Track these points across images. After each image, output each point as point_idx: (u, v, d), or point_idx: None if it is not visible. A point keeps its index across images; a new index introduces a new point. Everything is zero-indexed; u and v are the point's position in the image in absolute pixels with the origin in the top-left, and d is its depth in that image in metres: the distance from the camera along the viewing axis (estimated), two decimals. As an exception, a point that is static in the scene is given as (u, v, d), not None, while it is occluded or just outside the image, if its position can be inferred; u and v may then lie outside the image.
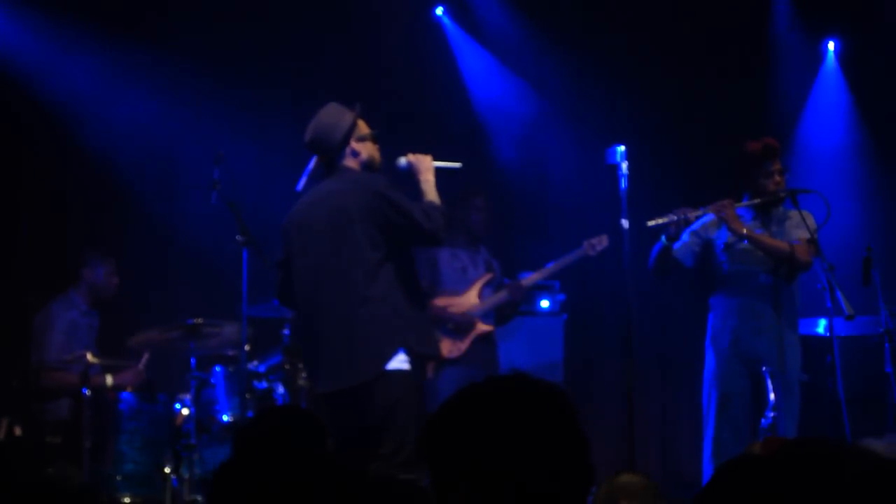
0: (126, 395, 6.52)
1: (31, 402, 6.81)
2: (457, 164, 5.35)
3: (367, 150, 5.15)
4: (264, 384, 6.57)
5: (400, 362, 4.89)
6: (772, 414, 5.42)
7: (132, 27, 7.81)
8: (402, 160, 5.22)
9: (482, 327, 6.77)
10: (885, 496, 2.00)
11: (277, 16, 8.14)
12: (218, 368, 6.59)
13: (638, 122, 7.99)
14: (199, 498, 6.16)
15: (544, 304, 7.75)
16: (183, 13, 7.91)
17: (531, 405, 1.96)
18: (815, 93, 8.62)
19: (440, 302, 6.70)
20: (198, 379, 6.40)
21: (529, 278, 7.08)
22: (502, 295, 6.87)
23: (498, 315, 6.92)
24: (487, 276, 6.90)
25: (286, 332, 6.67)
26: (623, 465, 5.30)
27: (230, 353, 6.75)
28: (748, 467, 2.04)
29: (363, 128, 5.17)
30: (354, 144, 5.12)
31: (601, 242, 6.91)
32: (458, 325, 6.71)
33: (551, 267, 7.07)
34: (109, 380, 6.59)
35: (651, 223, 5.82)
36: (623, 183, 5.37)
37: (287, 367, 6.57)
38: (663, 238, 5.94)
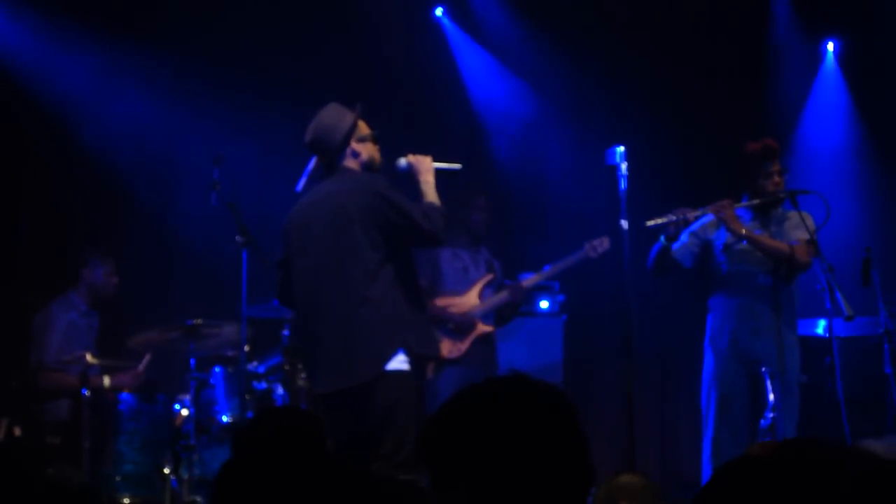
0: (125, 395, 6.52)
1: (31, 403, 6.82)
2: (457, 166, 5.35)
3: (368, 150, 5.15)
4: (264, 385, 6.58)
5: (399, 363, 4.89)
6: (771, 415, 5.42)
7: (132, 27, 7.82)
8: (402, 161, 5.21)
9: (483, 328, 6.77)
10: (884, 497, 2.00)
11: (277, 16, 8.14)
12: (217, 369, 6.60)
13: (637, 122, 7.99)
14: (199, 499, 6.16)
15: (544, 304, 7.75)
16: (183, 13, 7.91)
17: (531, 406, 1.96)
18: (814, 93, 8.62)
19: (441, 302, 6.70)
20: (197, 380, 6.40)
21: (530, 279, 7.08)
22: (503, 296, 6.87)
23: (498, 316, 6.92)
24: (488, 277, 6.90)
25: (286, 332, 6.67)
26: (623, 466, 5.30)
27: (230, 353, 6.75)
28: (747, 468, 2.04)
29: (363, 128, 5.16)
30: (355, 145, 5.12)
31: (602, 244, 6.91)
32: (459, 326, 6.71)
33: (552, 268, 7.07)
34: (107, 381, 6.59)
35: (650, 223, 5.82)
36: (622, 183, 5.37)
37: (286, 367, 6.57)
38: (662, 238, 5.94)
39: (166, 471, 6.20)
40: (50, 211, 7.76)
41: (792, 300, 5.96)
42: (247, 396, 6.24)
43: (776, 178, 5.94)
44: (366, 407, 4.87)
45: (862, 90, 8.46)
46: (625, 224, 5.34)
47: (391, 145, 5.33)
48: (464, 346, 6.69)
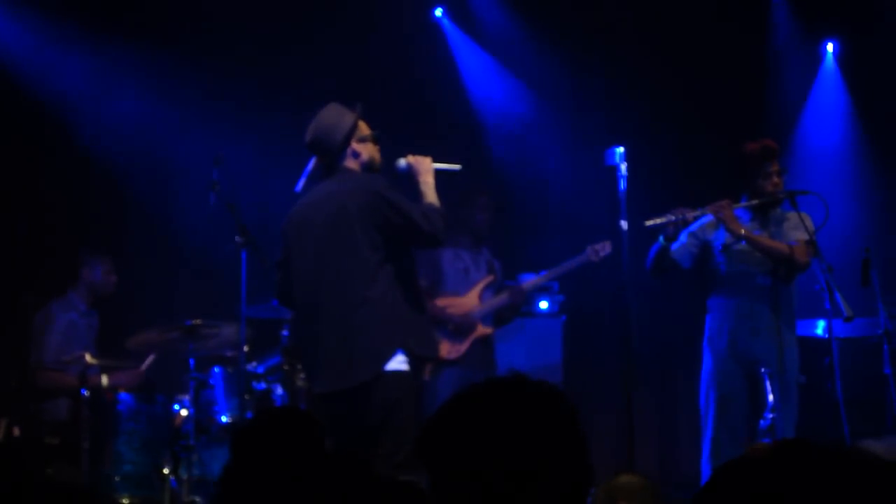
0: (124, 395, 6.52)
1: (30, 403, 6.81)
2: (456, 167, 5.35)
3: (368, 151, 5.15)
4: (263, 385, 6.57)
5: (399, 363, 4.89)
6: (770, 415, 5.42)
7: (132, 28, 7.82)
8: (402, 162, 5.21)
9: (482, 330, 6.77)
10: (884, 498, 2.00)
11: (276, 16, 8.15)
12: (217, 369, 6.59)
13: (637, 123, 7.99)
14: (198, 499, 6.16)
15: (543, 305, 7.76)
16: (183, 14, 7.91)
17: (530, 406, 1.96)
18: (814, 94, 8.62)
19: (441, 302, 6.70)
20: (196, 380, 6.39)
21: (531, 282, 7.08)
22: (503, 298, 6.87)
23: (497, 317, 6.92)
24: (489, 279, 6.90)
25: (285, 332, 6.67)
26: (622, 466, 5.30)
27: (229, 353, 6.75)
28: (746, 468, 2.04)
29: (364, 129, 5.16)
30: (355, 145, 5.12)
31: (604, 248, 6.89)
32: (459, 327, 6.71)
33: (554, 271, 7.07)
34: (105, 380, 6.59)
35: (649, 223, 5.82)
36: (622, 184, 5.37)
37: (286, 368, 6.57)
38: (661, 238, 5.94)
39: (165, 471, 6.20)
40: (49, 211, 7.76)
41: (791, 301, 5.96)
42: (246, 397, 6.24)
43: (775, 179, 5.94)
44: (365, 407, 4.87)
45: (861, 91, 8.46)
46: (624, 224, 5.34)
47: (390, 145, 5.33)
48: (463, 347, 6.70)
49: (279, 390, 6.55)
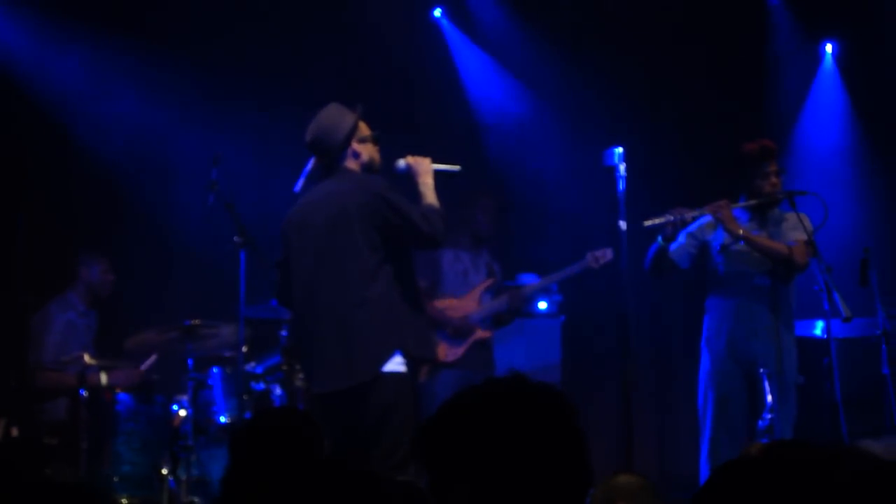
0: (123, 396, 6.52)
1: (29, 403, 6.81)
2: (455, 168, 5.34)
3: (368, 151, 5.15)
4: (262, 385, 6.57)
5: (396, 364, 4.89)
6: (769, 416, 5.42)
7: (132, 28, 7.81)
8: (401, 162, 5.20)
9: (480, 333, 6.77)
10: (883, 497, 2.00)
11: (275, 16, 8.14)
12: (215, 370, 6.59)
13: (635, 123, 7.99)
14: (197, 499, 6.15)
15: (542, 305, 7.76)
16: (182, 14, 7.91)
17: (530, 406, 1.96)
18: (812, 94, 8.62)
19: (439, 304, 6.70)
20: (195, 380, 6.39)
21: (530, 286, 7.09)
22: (502, 301, 6.87)
23: (495, 320, 6.92)
24: (488, 282, 6.90)
25: (284, 333, 6.66)
26: (620, 466, 5.30)
27: (227, 354, 6.74)
28: (745, 469, 2.04)
29: (364, 129, 5.16)
30: (355, 146, 5.12)
31: (605, 256, 6.86)
32: (457, 330, 6.71)
33: (553, 277, 7.07)
34: (104, 378, 6.57)
35: (648, 223, 5.82)
36: (621, 184, 5.37)
37: (285, 368, 6.56)
38: (659, 239, 5.94)
39: (164, 471, 6.19)
40: (48, 211, 7.76)
41: (789, 301, 5.96)
42: (245, 397, 6.24)
43: (774, 179, 5.94)
44: (363, 408, 4.86)
45: (860, 91, 8.46)
46: (623, 225, 5.34)
47: (388, 146, 5.33)
48: (460, 350, 6.69)
49: (278, 391, 6.54)
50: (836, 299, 5.62)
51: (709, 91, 8.28)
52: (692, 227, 6.05)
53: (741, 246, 5.91)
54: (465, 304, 6.79)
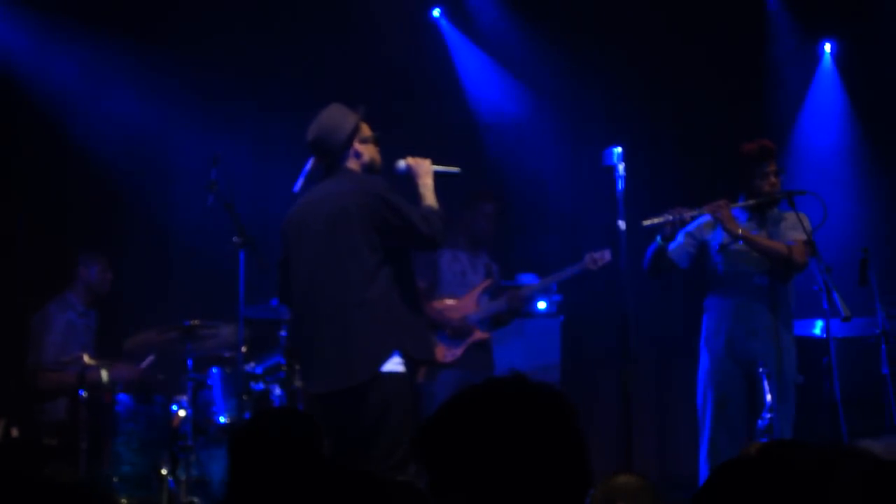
0: (123, 396, 6.52)
1: (29, 404, 6.81)
2: (455, 169, 5.34)
3: (369, 152, 5.15)
4: (261, 386, 6.57)
5: (395, 364, 4.89)
6: (768, 415, 5.42)
7: (131, 28, 7.82)
8: (402, 163, 5.20)
9: (479, 335, 6.77)
10: (883, 497, 2.01)
11: (275, 17, 8.15)
12: (215, 370, 6.59)
13: (635, 123, 7.99)
14: (196, 499, 6.15)
15: (541, 305, 7.75)
16: (182, 14, 7.91)
17: (530, 406, 1.96)
18: (811, 94, 8.62)
19: (438, 305, 6.70)
20: (194, 380, 6.39)
21: (528, 287, 7.08)
22: (500, 303, 6.87)
23: (494, 321, 6.92)
24: (487, 283, 6.90)
25: (283, 333, 6.67)
26: (620, 466, 5.30)
27: (227, 354, 6.74)
28: (745, 469, 2.04)
29: (366, 130, 5.16)
30: (357, 146, 5.11)
31: (604, 257, 6.86)
32: (456, 331, 6.70)
33: (551, 278, 7.07)
34: (105, 375, 6.56)
35: (647, 223, 5.82)
36: (620, 184, 5.37)
37: (285, 368, 6.57)
38: (658, 238, 5.94)
39: (164, 472, 6.20)
40: (48, 212, 7.76)
41: (788, 301, 5.96)
42: (244, 397, 6.24)
43: (772, 179, 5.94)
44: (362, 408, 4.86)
45: (859, 91, 8.46)
46: (622, 225, 5.34)
47: (387, 145, 5.33)
48: (459, 351, 6.70)
49: (277, 391, 6.54)
50: (836, 299, 5.62)
51: (708, 91, 8.29)
52: (691, 227, 6.05)
53: (740, 245, 5.91)
54: (463, 304, 6.79)
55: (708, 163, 7.75)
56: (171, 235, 7.94)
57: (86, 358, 6.31)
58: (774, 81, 8.51)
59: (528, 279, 7.31)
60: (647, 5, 8.31)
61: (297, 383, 6.43)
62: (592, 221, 7.46)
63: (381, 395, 4.85)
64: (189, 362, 6.39)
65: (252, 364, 6.61)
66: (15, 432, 6.47)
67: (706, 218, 6.00)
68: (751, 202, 5.96)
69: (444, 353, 6.62)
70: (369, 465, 4.76)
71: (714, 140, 7.87)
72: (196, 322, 6.39)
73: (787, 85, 8.55)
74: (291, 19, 8.13)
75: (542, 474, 1.91)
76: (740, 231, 5.85)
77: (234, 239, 5.92)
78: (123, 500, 6.28)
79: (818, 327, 6.80)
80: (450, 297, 6.78)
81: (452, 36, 8.59)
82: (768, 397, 5.45)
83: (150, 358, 6.83)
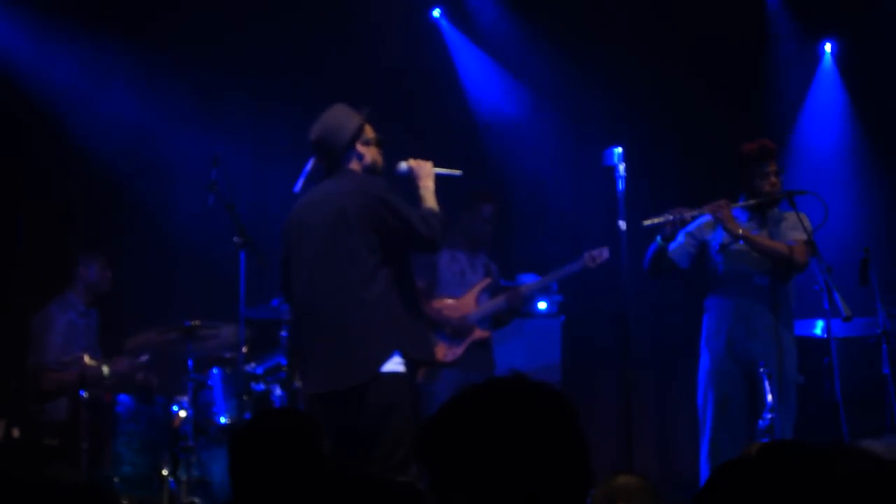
0: (124, 397, 6.52)
1: (30, 404, 6.81)
2: (457, 172, 5.34)
3: (371, 154, 5.15)
4: (262, 386, 6.57)
5: (395, 364, 4.89)
6: (769, 415, 5.42)
7: (131, 28, 7.82)
8: (403, 165, 5.20)
9: (479, 333, 6.77)
10: (884, 497, 2.00)
11: (275, 17, 8.14)
12: (215, 370, 6.59)
13: (635, 123, 7.99)
14: (197, 500, 6.15)
15: (542, 305, 7.75)
16: (182, 14, 7.91)
17: (531, 406, 1.95)
18: (812, 94, 8.62)
19: (438, 304, 6.70)
20: (195, 381, 6.39)
21: (527, 286, 7.08)
22: (500, 301, 6.86)
23: (494, 320, 6.91)
24: (486, 282, 6.90)
25: (284, 333, 6.67)
26: (621, 466, 5.30)
27: (228, 354, 6.74)
28: (745, 469, 2.04)
29: (369, 131, 5.16)
30: (359, 147, 5.11)
31: (601, 256, 6.87)
32: (456, 330, 6.70)
33: (550, 276, 7.07)
34: (106, 370, 6.53)
35: (647, 222, 5.82)
36: (620, 184, 5.37)
37: (286, 369, 6.57)
38: (658, 238, 5.94)
39: (164, 472, 6.20)
40: (48, 212, 7.76)
41: (788, 300, 5.96)
42: (245, 398, 6.24)
43: (773, 179, 5.94)
44: (362, 408, 4.86)
45: (859, 91, 8.46)
46: (623, 225, 5.34)
47: (387, 146, 5.33)
48: (459, 350, 6.69)
49: (278, 391, 6.55)
50: (837, 299, 5.62)
51: (708, 91, 8.28)
52: (691, 227, 6.05)
53: (740, 245, 5.91)
54: (463, 304, 6.79)
55: (708, 163, 7.75)
56: (172, 236, 7.94)
57: (86, 359, 6.31)
58: (775, 81, 8.51)
59: (529, 279, 7.31)
60: (648, 5, 8.31)
61: (298, 383, 6.43)
62: (592, 221, 7.46)
63: (382, 395, 4.85)
64: (190, 363, 6.39)
65: (253, 364, 6.61)
66: (16, 432, 6.46)
67: (707, 218, 6.00)
68: (751, 202, 5.96)
69: (445, 352, 6.62)
70: (370, 466, 4.76)
71: (714, 140, 7.87)
72: (197, 322, 6.39)
73: (788, 85, 8.55)
74: (291, 19, 8.13)
75: (543, 474, 1.91)
76: (741, 231, 5.85)
77: (235, 239, 5.92)
78: (124, 501, 6.28)
79: (819, 327, 6.80)
80: (449, 297, 6.78)
81: (452, 36, 8.59)
82: (769, 397, 5.45)
83: (145, 357, 6.81)
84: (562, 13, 8.43)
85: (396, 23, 8.23)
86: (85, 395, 6.20)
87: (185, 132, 7.85)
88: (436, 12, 8.57)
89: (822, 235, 5.85)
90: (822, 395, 6.03)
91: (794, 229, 5.87)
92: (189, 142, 7.77)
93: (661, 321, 8.14)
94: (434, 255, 6.67)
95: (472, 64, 8.62)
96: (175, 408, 6.47)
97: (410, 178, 5.18)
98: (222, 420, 6.51)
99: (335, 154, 5.09)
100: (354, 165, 5.11)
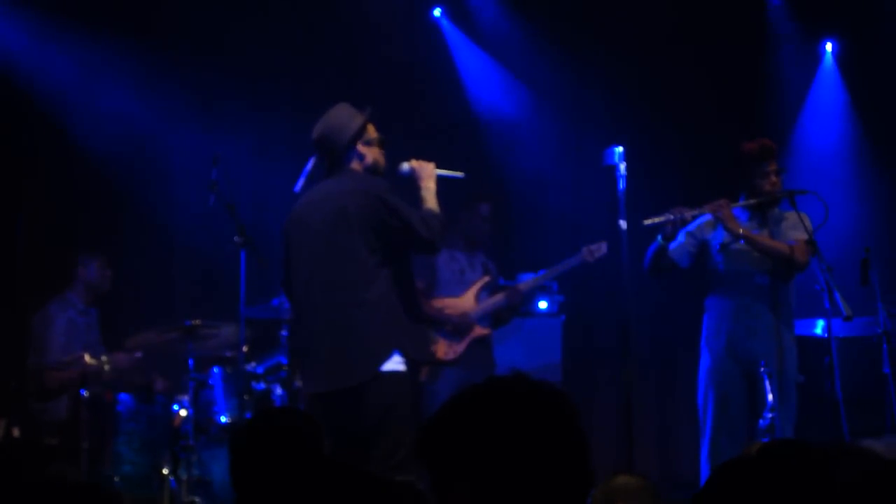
0: (124, 396, 6.53)
1: (30, 403, 6.82)
2: (459, 174, 5.34)
3: (373, 154, 5.14)
4: (262, 385, 6.58)
5: (395, 364, 4.89)
6: (769, 415, 5.42)
7: (131, 28, 7.82)
8: (405, 166, 5.20)
9: (479, 331, 6.77)
10: (884, 497, 2.00)
11: (275, 16, 8.15)
12: (216, 370, 6.60)
13: (636, 122, 7.99)
14: (197, 499, 6.16)
15: (542, 305, 7.75)
16: (182, 14, 7.91)
17: (532, 406, 1.95)
18: (812, 93, 8.62)
19: (437, 303, 6.70)
20: (196, 380, 6.39)
21: (527, 283, 7.08)
22: (500, 299, 6.87)
23: (494, 318, 6.92)
24: (484, 280, 6.90)
25: (284, 333, 6.67)
26: (621, 466, 5.30)
27: (228, 354, 6.75)
28: (745, 468, 2.04)
29: (371, 132, 5.16)
30: (361, 147, 5.11)
31: (600, 249, 6.88)
32: (456, 328, 6.70)
33: (549, 272, 7.07)
34: (107, 365, 6.52)
35: (647, 222, 5.82)
36: (621, 184, 5.37)
37: (285, 368, 6.57)
38: (659, 238, 5.94)
39: (165, 471, 6.20)
40: (48, 212, 7.76)
41: (789, 300, 5.96)
42: (245, 397, 6.24)
43: (773, 178, 5.94)
44: (362, 408, 4.86)
45: (860, 90, 8.46)
46: (623, 224, 5.34)
47: (389, 145, 5.33)
48: (460, 348, 6.69)
49: (278, 391, 6.55)
50: (837, 298, 5.62)
51: (709, 90, 8.28)
52: (691, 226, 6.05)
53: (741, 245, 5.91)
54: (462, 302, 6.79)
55: (708, 162, 7.75)
56: (172, 235, 7.94)
57: (87, 358, 6.31)
58: (775, 81, 8.51)
59: (529, 278, 7.31)
60: (648, 5, 8.31)
61: (299, 383, 6.44)
62: (593, 221, 7.46)
63: (382, 394, 4.85)
64: (190, 362, 6.39)
65: (253, 364, 6.61)
66: (16, 432, 6.47)
67: (707, 217, 5.99)
68: (752, 201, 5.96)
69: (446, 350, 6.62)
70: (370, 465, 4.75)
71: (715, 139, 7.87)
72: (197, 322, 6.39)
73: (788, 84, 8.55)
74: (292, 19, 8.13)
75: (544, 474, 1.91)
76: (741, 230, 5.85)
77: (235, 239, 5.92)
78: (125, 500, 6.28)
79: (819, 327, 6.80)
80: (448, 295, 6.78)
81: (453, 36, 8.59)
82: (769, 397, 5.45)
83: (138, 354, 6.80)
84: (562, 13, 8.43)
85: (397, 23, 8.23)
86: (86, 394, 6.20)
87: (185, 132, 7.85)
88: (436, 12, 8.57)
89: (822, 235, 5.85)
90: (823, 394, 6.03)
91: (795, 229, 5.87)
92: (189, 142, 7.77)
93: (660, 321, 8.13)
94: (433, 255, 6.67)
95: (472, 63, 8.62)
96: (175, 407, 6.48)
97: (412, 179, 5.18)
98: (223, 419, 6.51)
99: (336, 153, 5.09)
100: (356, 165, 5.11)
